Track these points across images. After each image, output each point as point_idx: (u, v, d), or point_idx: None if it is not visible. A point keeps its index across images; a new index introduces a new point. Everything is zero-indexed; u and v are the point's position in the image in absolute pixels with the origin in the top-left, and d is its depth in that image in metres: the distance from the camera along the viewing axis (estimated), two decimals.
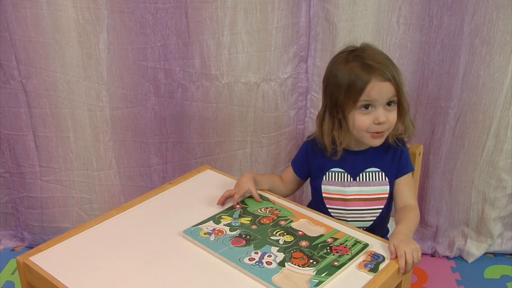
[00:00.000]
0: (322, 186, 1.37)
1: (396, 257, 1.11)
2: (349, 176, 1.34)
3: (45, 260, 1.12)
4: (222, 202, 1.32)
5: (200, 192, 1.40)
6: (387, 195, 1.35)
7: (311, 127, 1.94)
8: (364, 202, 1.35)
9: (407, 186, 1.33)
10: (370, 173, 1.34)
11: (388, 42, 1.83)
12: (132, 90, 1.90)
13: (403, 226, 1.19)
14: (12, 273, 1.98)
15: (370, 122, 1.25)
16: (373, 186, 1.34)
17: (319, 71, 1.85)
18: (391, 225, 1.57)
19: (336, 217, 1.34)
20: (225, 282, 1.06)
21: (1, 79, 1.86)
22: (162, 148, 1.99)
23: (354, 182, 1.34)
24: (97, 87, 1.88)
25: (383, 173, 1.34)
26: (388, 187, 1.35)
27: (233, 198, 1.33)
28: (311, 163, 1.39)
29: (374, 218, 1.37)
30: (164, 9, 1.77)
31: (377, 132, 1.26)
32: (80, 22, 1.78)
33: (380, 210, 1.36)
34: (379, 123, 1.24)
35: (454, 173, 1.93)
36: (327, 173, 1.36)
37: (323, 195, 1.37)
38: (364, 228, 1.32)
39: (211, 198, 1.37)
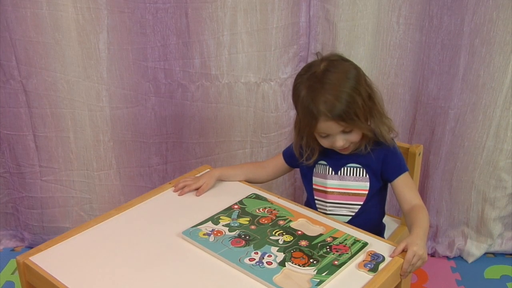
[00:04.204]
0: (313, 178, 1.42)
1: (398, 255, 1.11)
2: (330, 169, 1.38)
3: (45, 260, 1.12)
4: (177, 190, 1.39)
5: None
6: (367, 192, 1.37)
7: None
8: (343, 196, 1.38)
9: (406, 187, 1.33)
10: (351, 168, 1.37)
11: (388, 42, 1.83)
12: (132, 90, 1.90)
13: (419, 230, 1.18)
14: (12, 273, 1.98)
15: (330, 144, 1.31)
16: (352, 181, 1.37)
17: None
18: (389, 224, 1.58)
19: (319, 209, 1.40)
20: (225, 282, 1.06)
21: (1, 79, 1.86)
22: (162, 148, 1.99)
23: (335, 175, 1.38)
24: (97, 87, 1.88)
25: (364, 170, 1.36)
26: (368, 184, 1.37)
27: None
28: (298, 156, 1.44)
29: (353, 213, 1.39)
30: (164, 9, 1.77)
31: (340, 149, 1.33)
32: (80, 22, 1.78)
33: (359, 206, 1.38)
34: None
35: (454, 173, 1.94)
36: (316, 165, 1.41)
37: (313, 186, 1.42)
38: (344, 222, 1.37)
39: (210, 198, 1.37)
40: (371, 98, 1.28)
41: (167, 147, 1.99)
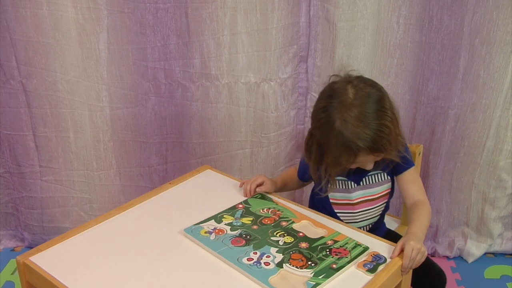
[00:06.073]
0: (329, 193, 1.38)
1: (398, 256, 1.12)
2: (352, 183, 1.36)
3: (45, 260, 1.12)
4: (247, 192, 1.38)
5: (200, 192, 1.40)
6: (390, 190, 1.40)
7: None
8: (370, 202, 1.38)
9: (411, 181, 1.34)
10: (372, 176, 1.36)
11: (388, 42, 1.83)
12: (132, 90, 1.90)
13: (415, 227, 1.20)
14: (12, 273, 1.98)
15: (358, 166, 1.28)
16: (376, 186, 1.37)
17: (319, 71, 1.85)
18: (389, 224, 1.58)
19: (345, 220, 1.37)
20: (222, 281, 1.06)
21: (1, 79, 1.86)
22: (162, 148, 1.99)
23: (358, 186, 1.36)
24: (97, 87, 1.88)
25: (385, 173, 1.36)
26: (390, 183, 1.38)
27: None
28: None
29: (381, 211, 1.41)
30: (164, 9, 1.77)
31: None
32: (80, 22, 1.78)
33: (385, 204, 1.41)
34: None
35: (454, 173, 1.93)
36: (319, 181, 1.36)
37: (331, 200, 1.39)
38: (372, 224, 1.39)
39: (211, 198, 1.37)
40: (396, 120, 1.25)
41: (167, 147, 1.99)
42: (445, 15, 1.76)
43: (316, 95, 1.87)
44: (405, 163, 1.33)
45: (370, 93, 1.22)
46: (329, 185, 1.34)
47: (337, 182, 1.36)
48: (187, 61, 1.83)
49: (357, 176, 1.35)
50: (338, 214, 1.39)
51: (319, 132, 1.25)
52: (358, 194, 1.36)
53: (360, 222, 1.39)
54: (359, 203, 1.37)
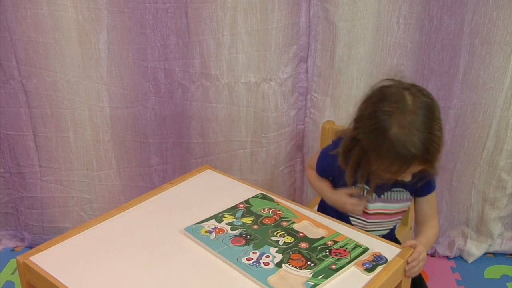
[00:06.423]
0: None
1: (409, 246, 1.15)
2: (373, 194, 1.32)
3: (45, 260, 1.12)
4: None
5: (200, 192, 1.40)
6: (407, 208, 1.38)
7: (311, 127, 1.94)
8: (384, 216, 1.35)
9: (430, 204, 1.34)
10: (395, 192, 1.33)
11: (388, 42, 1.83)
12: (132, 90, 1.90)
13: (423, 238, 1.23)
14: (12, 273, 1.98)
15: (395, 178, 1.24)
16: (396, 203, 1.34)
17: (319, 71, 1.85)
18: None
19: (356, 226, 1.35)
20: (222, 281, 1.06)
21: (1, 79, 1.86)
22: (162, 148, 1.99)
23: (379, 199, 1.33)
24: (97, 87, 1.88)
25: (408, 192, 1.34)
26: (409, 203, 1.36)
27: None
28: (336, 174, 1.37)
29: (392, 226, 1.40)
30: (164, 9, 1.77)
31: None
32: (80, 22, 1.78)
33: (399, 219, 1.40)
34: None
35: (454, 173, 1.93)
36: (353, 186, 1.32)
37: None
38: (382, 235, 1.36)
39: (211, 198, 1.37)
40: (443, 131, 1.21)
41: (167, 147, 1.99)
42: (445, 15, 1.76)
43: (316, 95, 1.89)
44: (429, 186, 1.32)
45: (426, 102, 1.18)
46: (365, 193, 1.31)
47: (358, 188, 1.32)
48: (187, 61, 1.83)
49: (380, 188, 1.30)
50: (349, 218, 1.37)
51: (366, 137, 1.19)
52: (375, 206, 1.33)
53: (370, 231, 1.34)
54: (374, 214, 1.34)
